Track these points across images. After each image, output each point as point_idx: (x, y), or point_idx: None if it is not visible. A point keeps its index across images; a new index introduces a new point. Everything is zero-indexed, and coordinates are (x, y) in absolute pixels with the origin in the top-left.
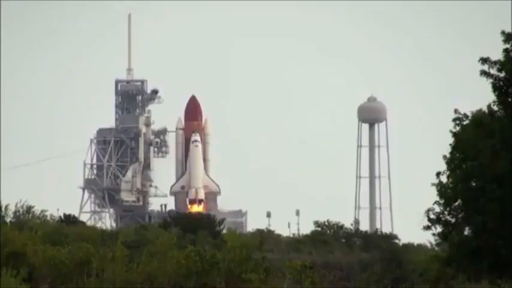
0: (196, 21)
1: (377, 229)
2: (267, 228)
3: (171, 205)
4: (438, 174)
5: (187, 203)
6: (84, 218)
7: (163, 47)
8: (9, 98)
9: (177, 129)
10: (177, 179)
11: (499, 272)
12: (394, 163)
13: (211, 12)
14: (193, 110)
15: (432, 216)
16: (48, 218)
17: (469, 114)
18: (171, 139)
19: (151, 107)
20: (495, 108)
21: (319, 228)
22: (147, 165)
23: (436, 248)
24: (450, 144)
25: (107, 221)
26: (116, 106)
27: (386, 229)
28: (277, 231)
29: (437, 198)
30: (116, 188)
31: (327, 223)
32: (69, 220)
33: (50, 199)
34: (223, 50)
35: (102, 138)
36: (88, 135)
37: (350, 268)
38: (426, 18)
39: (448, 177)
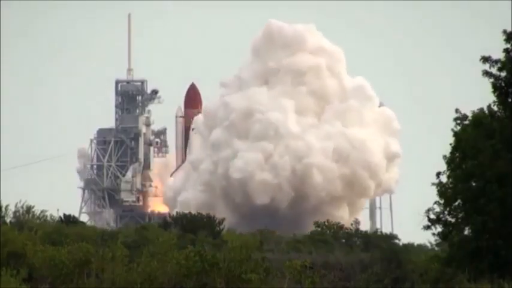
0: (196, 21)
1: (377, 229)
2: (266, 228)
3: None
4: (438, 174)
5: None
6: (84, 218)
7: (163, 47)
8: (9, 98)
9: (177, 117)
10: (177, 167)
11: (499, 272)
12: None
13: (211, 12)
14: (193, 98)
15: (432, 216)
16: (48, 218)
17: (469, 114)
18: (171, 132)
19: (151, 107)
20: (495, 108)
21: (319, 228)
22: (147, 165)
23: (436, 248)
24: (450, 144)
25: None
26: (116, 106)
27: (386, 229)
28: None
29: (437, 198)
30: (115, 188)
31: (326, 223)
32: (69, 220)
33: (50, 199)
34: (223, 50)
35: (102, 138)
36: (88, 135)
37: (350, 268)
38: (426, 18)
39: (448, 177)
